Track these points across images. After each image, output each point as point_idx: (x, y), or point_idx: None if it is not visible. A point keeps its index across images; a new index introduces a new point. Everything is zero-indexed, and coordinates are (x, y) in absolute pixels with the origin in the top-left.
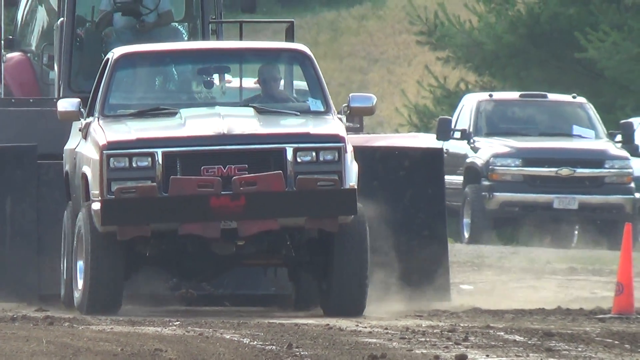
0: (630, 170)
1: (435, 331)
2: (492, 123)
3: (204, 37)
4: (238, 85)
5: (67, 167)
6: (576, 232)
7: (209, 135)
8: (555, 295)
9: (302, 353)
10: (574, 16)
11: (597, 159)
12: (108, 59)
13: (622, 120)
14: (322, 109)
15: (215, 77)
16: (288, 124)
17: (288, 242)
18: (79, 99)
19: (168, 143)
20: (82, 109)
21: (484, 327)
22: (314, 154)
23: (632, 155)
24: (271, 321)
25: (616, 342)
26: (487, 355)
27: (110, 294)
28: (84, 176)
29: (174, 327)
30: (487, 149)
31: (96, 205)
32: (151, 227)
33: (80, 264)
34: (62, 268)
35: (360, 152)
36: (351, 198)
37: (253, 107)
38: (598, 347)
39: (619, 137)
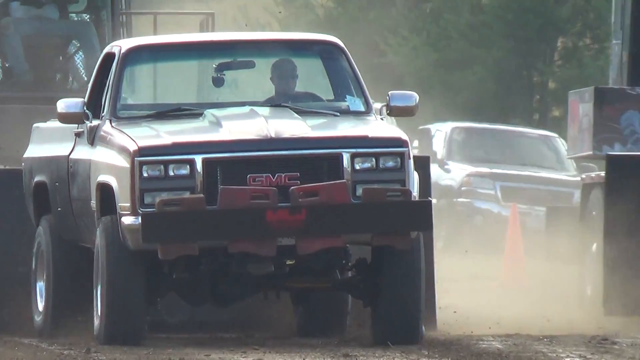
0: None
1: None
2: None
3: (114, 30)
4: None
5: (41, 177)
6: None
7: (256, 140)
8: None
9: (100, 358)
10: (374, 20)
11: None
12: (109, 54)
13: (420, 126)
14: (362, 109)
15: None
16: (340, 126)
17: (344, 262)
18: (82, 99)
19: (209, 148)
20: (87, 111)
21: None
22: (373, 160)
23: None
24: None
25: None
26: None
27: (133, 322)
28: (104, 187)
29: None
30: None
31: (128, 220)
32: (198, 244)
33: (99, 288)
34: (35, 291)
35: None
36: (426, 211)
37: (287, 106)
38: None
39: (416, 143)
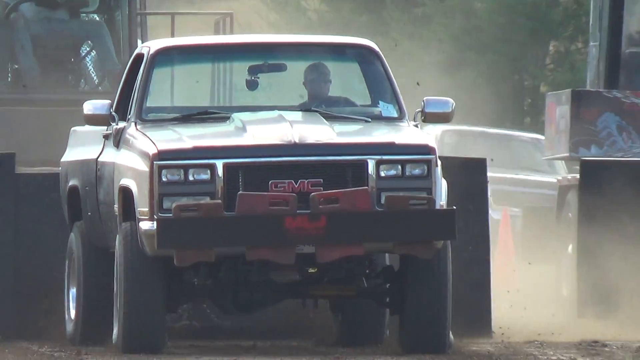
0: None
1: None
2: None
3: (131, 31)
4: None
5: (74, 181)
6: None
7: (279, 145)
8: None
9: None
10: (366, 24)
11: None
12: (139, 55)
13: None
14: (395, 114)
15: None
16: (368, 133)
17: (367, 270)
18: (109, 101)
19: (230, 153)
20: (114, 113)
21: None
22: (399, 167)
23: None
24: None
25: None
26: None
27: (151, 330)
28: (125, 191)
29: None
30: None
31: (145, 225)
32: (215, 251)
33: (118, 296)
34: (67, 299)
35: None
36: (450, 220)
37: (317, 111)
38: None
39: None
